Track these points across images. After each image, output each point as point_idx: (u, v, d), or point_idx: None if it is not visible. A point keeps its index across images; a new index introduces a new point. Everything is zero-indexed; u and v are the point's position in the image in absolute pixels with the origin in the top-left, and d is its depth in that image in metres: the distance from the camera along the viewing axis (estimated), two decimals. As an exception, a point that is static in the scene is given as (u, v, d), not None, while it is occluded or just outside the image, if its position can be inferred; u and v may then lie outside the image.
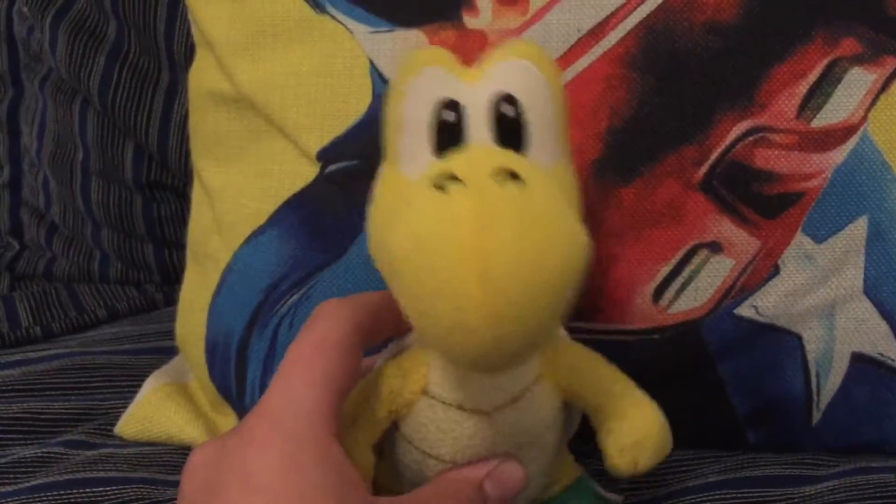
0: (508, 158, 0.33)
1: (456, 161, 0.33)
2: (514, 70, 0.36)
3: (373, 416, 0.36)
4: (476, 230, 0.30)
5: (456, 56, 0.37)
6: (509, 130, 0.35)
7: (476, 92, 0.36)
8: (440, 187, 0.32)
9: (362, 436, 0.36)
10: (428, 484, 0.37)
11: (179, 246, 0.72)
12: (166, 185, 0.72)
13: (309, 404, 0.34)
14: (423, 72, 0.36)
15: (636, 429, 0.38)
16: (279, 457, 0.32)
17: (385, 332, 0.38)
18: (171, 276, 0.73)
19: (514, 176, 0.32)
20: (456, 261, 0.30)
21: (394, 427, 0.37)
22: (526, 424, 0.37)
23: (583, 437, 0.41)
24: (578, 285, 0.32)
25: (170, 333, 0.55)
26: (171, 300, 0.71)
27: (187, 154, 0.69)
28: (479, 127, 0.35)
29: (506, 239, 0.30)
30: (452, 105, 0.35)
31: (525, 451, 0.37)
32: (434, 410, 0.36)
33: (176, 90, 0.70)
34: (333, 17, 0.47)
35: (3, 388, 0.55)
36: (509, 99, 0.35)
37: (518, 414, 0.36)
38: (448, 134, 0.35)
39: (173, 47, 0.70)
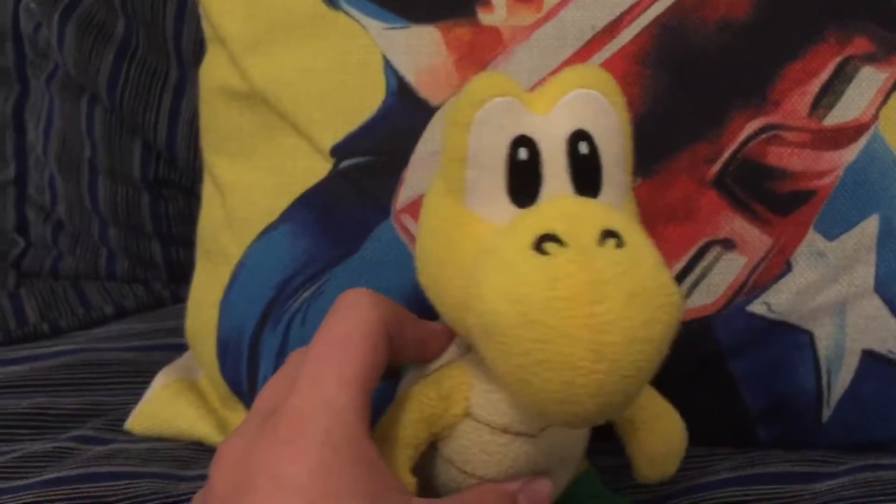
0: (608, 216, 0.32)
1: (554, 217, 0.32)
2: (586, 103, 0.35)
3: (413, 440, 0.36)
4: (588, 302, 0.30)
5: (516, 85, 0.35)
6: (584, 169, 0.34)
7: (548, 127, 0.34)
8: (542, 250, 0.31)
9: (402, 460, 0.36)
10: (464, 492, 0.36)
11: (187, 243, 0.71)
12: (174, 182, 0.72)
13: (341, 404, 0.33)
14: (494, 102, 0.34)
15: (664, 440, 0.39)
16: (313, 459, 0.32)
17: (407, 347, 0.37)
18: (178, 274, 0.73)
19: (613, 235, 0.31)
20: (568, 334, 0.30)
21: (431, 447, 0.37)
22: (567, 442, 0.37)
23: (591, 435, 0.41)
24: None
25: (177, 330, 0.55)
26: (178, 297, 0.71)
27: (195, 151, 0.69)
28: (555, 168, 0.34)
29: (617, 311, 0.30)
30: (526, 141, 0.34)
31: (561, 466, 0.37)
32: (479, 433, 0.36)
33: (184, 87, 0.70)
34: (347, 14, 0.47)
35: (13, 383, 0.55)
36: (584, 136, 0.34)
37: (561, 433, 0.36)
38: (522, 170, 0.34)
39: (182, 44, 0.70)
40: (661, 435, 0.39)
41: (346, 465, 0.32)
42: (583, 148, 0.34)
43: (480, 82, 0.35)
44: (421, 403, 0.36)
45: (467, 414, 0.36)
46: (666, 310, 0.31)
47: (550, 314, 0.30)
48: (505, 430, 0.35)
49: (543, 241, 0.31)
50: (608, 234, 0.31)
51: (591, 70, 0.36)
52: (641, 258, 0.31)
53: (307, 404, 0.33)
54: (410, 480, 0.36)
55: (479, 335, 0.32)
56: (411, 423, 0.35)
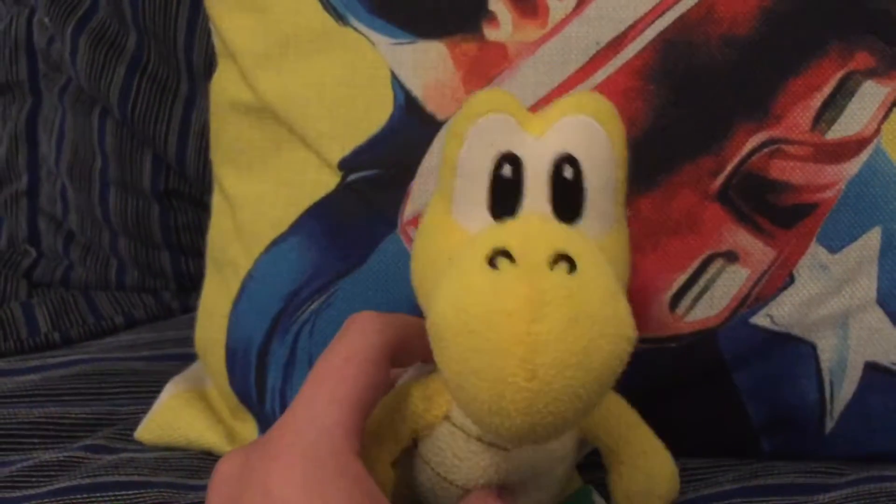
0: (565, 239, 0.33)
1: (512, 235, 0.33)
2: (579, 129, 0.35)
3: (395, 434, 0.37)
4: (526, 321, 0.30)
5: (518, 103, 0.36)
6: (567, 193, 0.35)
7: (538, 148, 0.35)
8: (494, 264, 0.31)
9: (384, 452, 0.37)
10: None
11: (196, 254, 0.72)
12: (184, 193, 0.73)
13: (331, 420, 0.34)
14: (488, 117, 0.35)
15: (646, 479, 0.39)
16: (300, 473, 0.33)
17: (415, 357, 0.38)
18: (188, 284, 0.73)
19: (568, 259, 0.32)
20: (503, 348, 0.30)
21: (413, 445, 0.38)
22: (541, 459, 0.37)
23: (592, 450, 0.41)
24: (619, 375, 0.32)
25: (186, 340, 0.55)
26: (188, 308, 0.71)
27: (205, 163, 0.70)
28: (537, 188, 0.35)
29: (555, 332, 0.30)
30: (512, 159, 0.35)
31: (535, 482, 0.38)
32: (454, 438, 0.36)
33: (194, 100, 0.71)
34: (356, 29, 0.48)
35: (24, 392, 0.56)
36: (570, 160, 0.35)
37: (535, 450, 0.36)
38: (505, 186, 0.35)
39: (192, 58, 0.71)
40: (643, 472, 0.39)
41: (330, 479, 0.33)
42: (567, 172, 0.35)
43: (480, 97, 0.36)
44: (406, 401, 0.37)
45: (446, 417, 0.36)
46: (611, 340, 0.31)
47: (489, 327, 0.30)
48: (479, 439, 0.36)
49: (497, 256, 0.32)
50: (561, 258, 0.32)
51: (593, 98, 0.36)
52: (591, 286, 0.31)
53: (297, 421, 0.34)
54: (390, 474, 0.37)
55: (430, 337, 0.33)
56: (395, 419, 0.36)
